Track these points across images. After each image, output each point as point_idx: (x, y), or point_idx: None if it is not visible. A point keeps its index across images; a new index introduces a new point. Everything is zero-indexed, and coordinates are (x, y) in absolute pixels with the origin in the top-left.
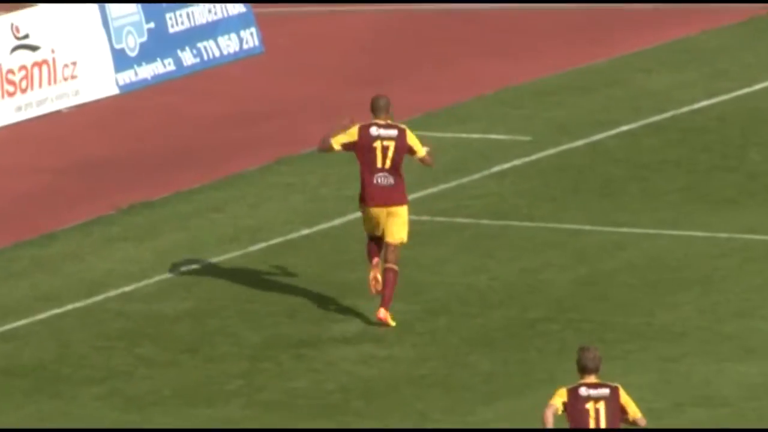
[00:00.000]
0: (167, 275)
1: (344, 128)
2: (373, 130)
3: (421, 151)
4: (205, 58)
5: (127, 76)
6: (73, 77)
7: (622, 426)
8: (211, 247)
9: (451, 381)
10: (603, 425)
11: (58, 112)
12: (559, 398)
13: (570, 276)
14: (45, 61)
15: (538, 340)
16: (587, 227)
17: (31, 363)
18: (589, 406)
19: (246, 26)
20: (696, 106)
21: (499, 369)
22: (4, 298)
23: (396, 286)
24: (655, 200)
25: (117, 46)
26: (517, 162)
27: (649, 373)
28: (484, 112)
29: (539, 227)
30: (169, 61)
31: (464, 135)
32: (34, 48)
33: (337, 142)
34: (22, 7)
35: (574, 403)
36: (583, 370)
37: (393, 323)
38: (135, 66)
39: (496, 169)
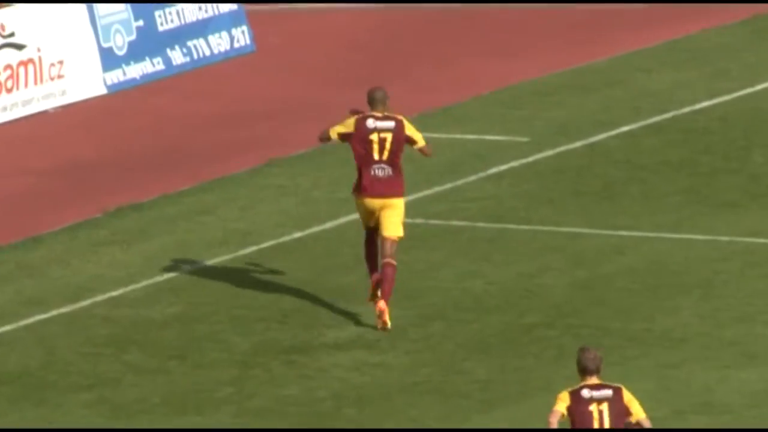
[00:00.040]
0: (155, 280)
1: (343, 119)
2: (370, 122)
3: (421, 140)
4: (196, 57)
5: (116, 76)
6: (59, 77)
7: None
8: (201, 250)
9: (446, 388)
10: (607, 427)
11: (44, 113)
12: (563, 403)
13: (568, 280)
14: (31, 60)
15: (535, 346)
16: (586, 230)
17: (15, 369)
18: (593, 408)
19: (237, 24)
20: (697, 106)
21: (495, 376)
22: None
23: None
24: (655, 203)
25: (105, 45)
26: (514, 163)
27: (649, 380)
28: (481, 113)
29: (537, 230)
30: (158, 60)
31: (460, 136)
32: (19, 47)
33: (334, 131)
34: (5, 6)
35: (577, 406)
36: (584, 372)
37: (389, 324)
38: (123, 65)
39: (492, 170)
